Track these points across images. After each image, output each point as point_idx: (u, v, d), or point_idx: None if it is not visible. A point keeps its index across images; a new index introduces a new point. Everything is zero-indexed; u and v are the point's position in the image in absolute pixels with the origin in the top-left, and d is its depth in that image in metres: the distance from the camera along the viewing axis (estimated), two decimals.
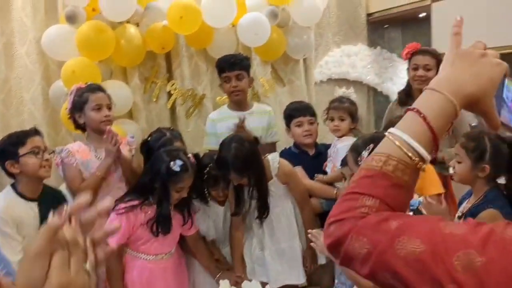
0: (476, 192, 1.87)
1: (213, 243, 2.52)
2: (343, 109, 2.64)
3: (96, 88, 2.40)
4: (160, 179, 2.15)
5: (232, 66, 2.72)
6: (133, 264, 2.27)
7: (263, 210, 2.39)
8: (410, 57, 2.79)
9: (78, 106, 2.35)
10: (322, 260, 2.48)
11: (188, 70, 3.22)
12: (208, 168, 2.34)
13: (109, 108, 2.40)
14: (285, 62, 3.50)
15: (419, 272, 0.59)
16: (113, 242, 2.16)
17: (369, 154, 1.61)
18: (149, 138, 2.53)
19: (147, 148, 2.47)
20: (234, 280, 2.30)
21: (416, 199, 1.70)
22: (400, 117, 2.60)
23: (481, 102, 0.73)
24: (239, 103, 2.83)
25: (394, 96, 3.97)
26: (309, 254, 2.45)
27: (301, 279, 2.45)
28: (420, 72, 2.72)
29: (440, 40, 3.53)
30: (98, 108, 2.34)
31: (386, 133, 0.74)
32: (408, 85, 2.86)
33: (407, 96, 2.85)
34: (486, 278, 0.56)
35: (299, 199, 2.46)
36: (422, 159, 0.70)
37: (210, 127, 2.86)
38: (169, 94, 3.23)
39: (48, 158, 2.19)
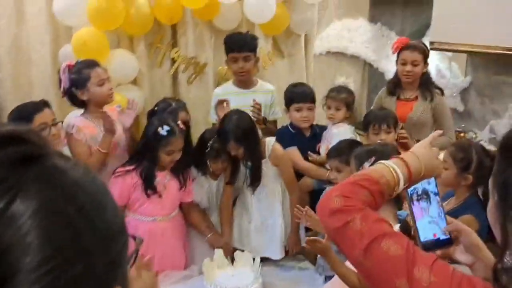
0: (457, 196, 2.08)
1: (204, 212, 2.75)
2: (340, 99, 2.80)
3: (94, 64, 2.48)
4: (150, 143, 2.38)
5: (241, 48, 2.82)
6: (134, 225, 2.49)
7: (256, 177, 2.61)
8: (399, 51, 2.91)
9: (79, 84, 2.43)
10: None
11: (192, 38, 3.28)
12: (211, 142, 2.54)
13: (109, 80, 2.52)
14: (287, 35, 3.57)
15: (393, 266, 0.89)
16: None
17: (371, 165, 1.83)
18: (155, 108, 2.70)
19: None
20: (222, 244, 2.59)
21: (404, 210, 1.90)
22: (383, 108, 2.77)
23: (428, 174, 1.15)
24: (243, 81, 2.96)
25: (389, 74, 4.10)
26: (292, 240, 2.68)
27: (279, 255, 2.69)
28: (408, 67, 2.87)
29: (439, 23, 3.61)
30: (102, 83, 2.45)
31: (384, 163, 1.10)
32: (396, 76, 3.00)
33: (395, 86, 3.01)
34: None
35: (287, 183, 2.67)
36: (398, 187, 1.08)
37: (215, 101, 3.00)
38: (173, 61, 3.32)
39: (55, 133, 2.30)
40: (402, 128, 2.86)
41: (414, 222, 1.11)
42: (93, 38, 2.75)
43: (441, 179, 2.08)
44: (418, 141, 2.73)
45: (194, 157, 2.60)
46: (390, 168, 1.06)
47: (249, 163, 2.59)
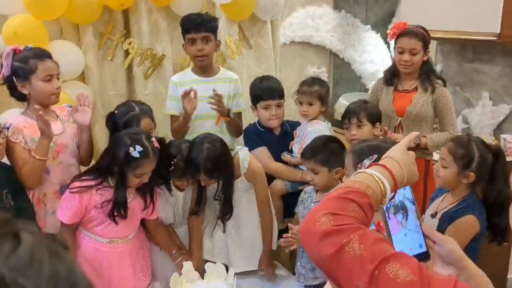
0: (454, 195, 1.91)
1: (173, 230, 2.45)
2: (312, 93, 2.56)
3: (44, 55, 2.12)
4: (118, 164, 2.04)
5: (199, 27, 2.52)
6: (85, 243, 2.17)
7: (227, 212, 2.35)
8: (396, 38, 2.65)
9: (22, 74, 2.08)
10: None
11: (147, 27, 2.96)
12: (175, 159, 2.21)
13: (58, 78, 2.16)
14: (252, 22, 3.30)
15: None
16: (64, 219, 2.06)
17: (370, 164, 1.57)
18: (115, 111, 2.37)
19: (113, 122, 2.31)
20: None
21: None
22: (363, 101, 2.44)
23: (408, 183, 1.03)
24: (203, 68, 2.67)
25: (355, 64, 3.95)
26: (265, 261, 2.41)
27: (255, 267, 2.44)
28: (406, 56, 2.59)
29: (407, 8, 3.46)
30: (49, 79, 2.10)
31: (366, 171, 0.95)
32: (394, 65, 2.74)
33: (393, 76, 2.73)
34: None
35: (260, 202, 2.41)
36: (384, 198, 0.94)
37: (172, 90, 2.70)
38: (126, 53, 2.99)
39: (1, 141, 1.95)
40: (399, 123, 2.66)
41: (390, 237, 0.98)
42: (27, 28, 2.36)
43: (440, 179, 1.92)
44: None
45: (159, 174, 2.23)
46: (375, 178, 0.93)
47: (221, 194, 2.30)
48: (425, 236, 1.00)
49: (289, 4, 3.74)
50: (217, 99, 2.49)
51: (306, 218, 0.87)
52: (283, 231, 2.58)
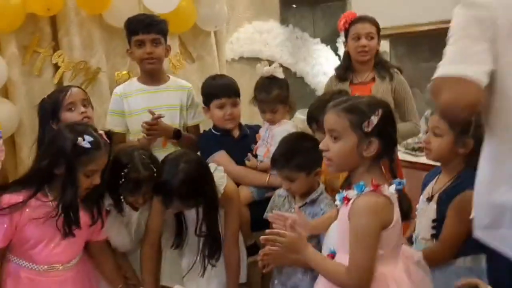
0: (449, 172, 1.67)
1: (123, 255, 2.05)
2: (272, 100, 2.26)
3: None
4: (65, 161, 1.67)
5: (148, 28, 2.25)
6: (15, 274, 1.74)
7: (213, 251, 1.97)
8: (348, 27, 2.54)
9: None
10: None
11: (78, 39, 2.66)
12: (125, 171, 1.83)
13: None
14: (194, 34, 3.08)
15: None
16: None
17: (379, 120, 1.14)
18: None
19: (43, 107, 2.08)
20: None
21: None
22: (340, 90, 2.20)
23: None
24: (152, 74, 2.36)
25: (308, 78, 3.81)
26: None
27: None
28: (363, 41, 2.47)
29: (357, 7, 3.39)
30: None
31: None
32: (347, 58, 2.60)
33: (346, 70, 2.59)
34: None
35: (229, 236, 2.02)
36: None
37: (115, 104, 2.37)
38: (56, 67, 2.66)
39: None
40: None
41: None
42: None
43: (433, 152, 1.67)
44: None
45: (107, 184, 1.85)
46: None
47: (203, 226, 1.93)
48: None
49: (235, 19, 3.59)
50: (152, 124, 2.20)
51: None
52: (251, 247, 2.27)
